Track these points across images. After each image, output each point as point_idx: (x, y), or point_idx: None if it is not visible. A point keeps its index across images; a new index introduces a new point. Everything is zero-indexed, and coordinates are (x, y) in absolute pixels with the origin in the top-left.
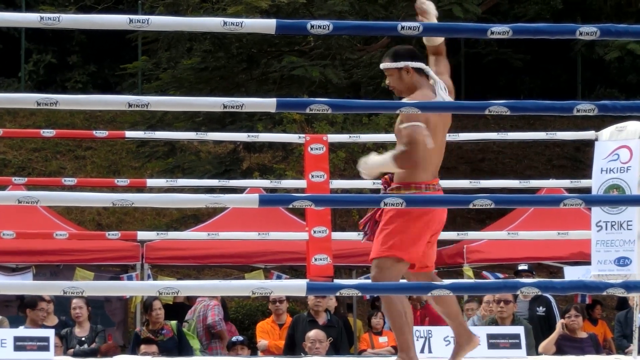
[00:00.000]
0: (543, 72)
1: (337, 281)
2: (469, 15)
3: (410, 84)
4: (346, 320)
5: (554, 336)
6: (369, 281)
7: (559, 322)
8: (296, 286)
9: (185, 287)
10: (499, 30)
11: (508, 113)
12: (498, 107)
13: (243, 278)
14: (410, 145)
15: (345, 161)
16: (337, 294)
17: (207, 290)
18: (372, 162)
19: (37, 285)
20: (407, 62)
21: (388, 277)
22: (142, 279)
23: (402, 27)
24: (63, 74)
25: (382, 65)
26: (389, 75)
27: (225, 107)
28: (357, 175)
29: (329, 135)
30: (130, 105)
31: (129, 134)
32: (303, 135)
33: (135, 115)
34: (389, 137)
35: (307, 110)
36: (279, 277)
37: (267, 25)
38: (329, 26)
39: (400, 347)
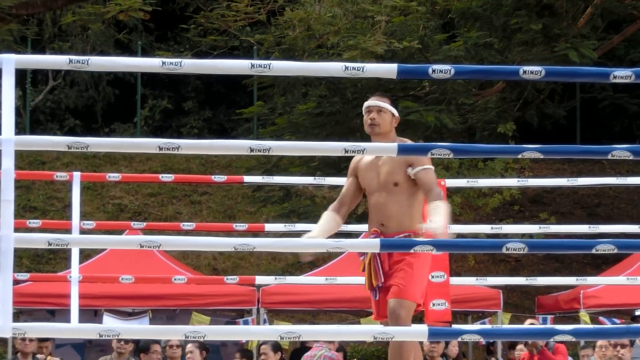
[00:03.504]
0: None
1: (458, 326)
2: (585, 60)
3: (392, 130)
4: None
5: None
6: (488, 326)
7: None
8: (418, 331)
9: (307, 331)
10: (622, 75)
11: (631, 157)
12: (621, 151)
13: (358, 323)
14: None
15: (460, 206)
16: (459, 339)
17: (329, 335)
18: (443, 221)
19: (159, 329)
20: (397, 114)
21: (410, 320)
22: (257, 323)
23: (524, 72)
24: (178, 120)
25: (380, 104)
26: (381, 113)
27: (346, 151)
28: (473, 220)
29: (446, 180)
30: (252, 150)
31: (247, 178)
32: None
33: (250, 160)
34: (505, 182)
35: (429, 155)
36: None
37: (388, 69)
38: (450, 70)
39: None
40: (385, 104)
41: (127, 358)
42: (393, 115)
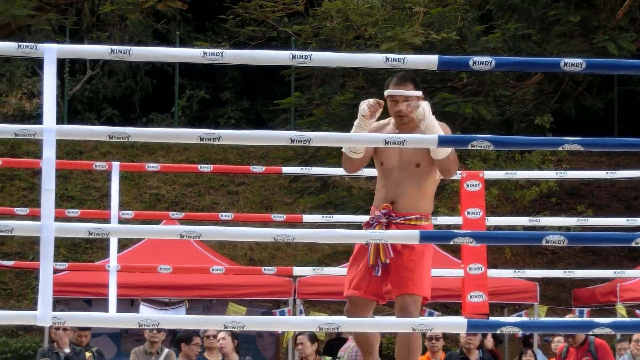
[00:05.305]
0: None
1: (496, 319)
2: (623, 53)
3: None
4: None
5: None
6: (525, 319)
7: None
8: (457, 323)
9: (346, 323)
10: None
11: None
12: None
13: (394, 314)
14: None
15: (497, 198)
16: (498, 332)
17: (368, 326)
18: (430, 118)
19: (199, 320)
20: (421, 93)
21: (418, 315)
22: (293, 314)
23: (565, 64)
24: (216, 110)
25: (406, 92)
26: (407, 101)
27: (387, 142)
28: (510, 212)
29: (484, 172)
30: (292, 141)
31: (286, 169)
32: (459, 172)
33: (287, 151)
34: (543, 174)
35: (469, 147)
36: (430, 314)
37: (429, 61)
38: (491, 62)
39: None
40: (411, 91)
41: (160, 347)
42: (418, 98)
